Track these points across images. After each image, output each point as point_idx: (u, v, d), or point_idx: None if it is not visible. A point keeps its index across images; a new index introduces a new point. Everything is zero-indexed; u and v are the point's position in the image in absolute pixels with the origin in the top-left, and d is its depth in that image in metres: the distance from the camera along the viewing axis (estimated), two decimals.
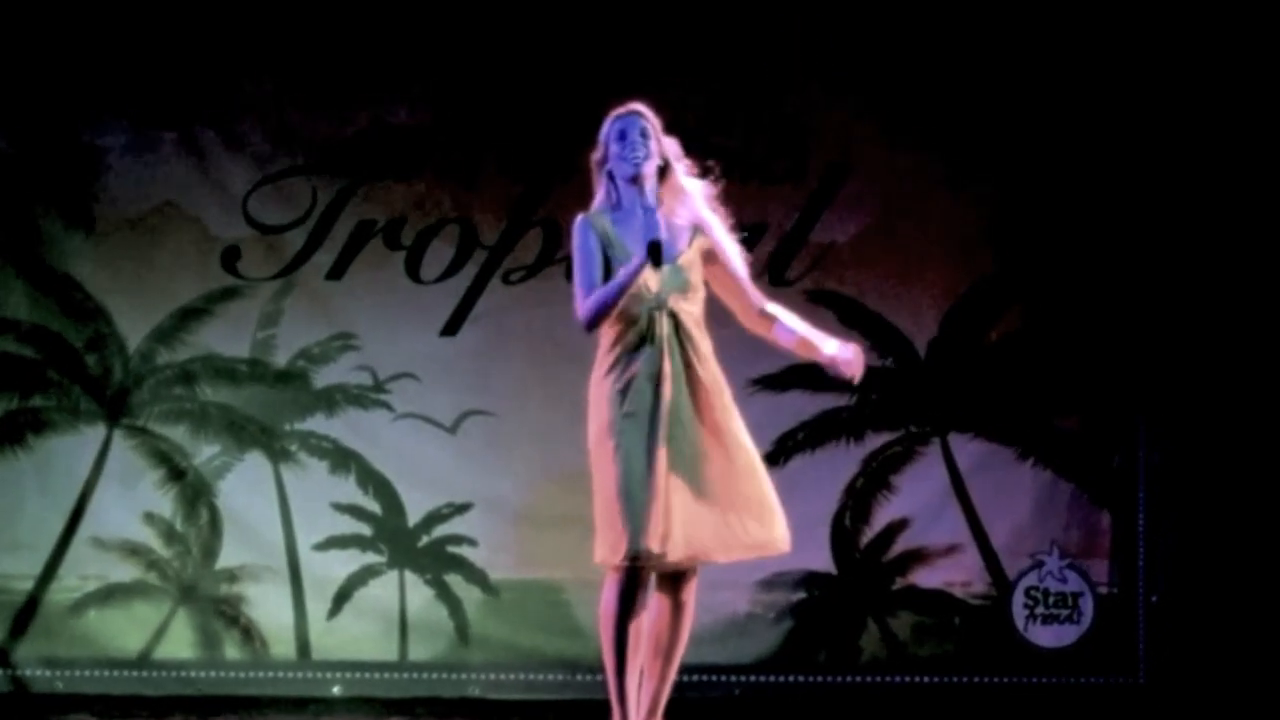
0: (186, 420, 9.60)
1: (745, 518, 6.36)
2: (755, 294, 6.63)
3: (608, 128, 6.53)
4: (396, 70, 9.56)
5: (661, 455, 6.25)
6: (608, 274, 6.38)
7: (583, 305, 6.37)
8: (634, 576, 6.23)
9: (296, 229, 9.62)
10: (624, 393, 6.32)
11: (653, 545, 6.17)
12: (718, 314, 6.60)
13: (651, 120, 6.53)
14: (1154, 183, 9.44)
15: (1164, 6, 9.39)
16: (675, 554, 6.24)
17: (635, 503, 6.20)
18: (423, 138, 9.61)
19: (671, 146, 6.55)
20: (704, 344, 6.46)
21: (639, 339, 6.36)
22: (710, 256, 6.54)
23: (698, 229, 6.52)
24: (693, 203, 6.53)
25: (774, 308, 6.64)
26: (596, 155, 6.58)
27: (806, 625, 9.56)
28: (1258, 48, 9.30)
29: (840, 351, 6.50)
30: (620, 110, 6.56)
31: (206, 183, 9.61)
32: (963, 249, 9.56)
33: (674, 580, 6.38)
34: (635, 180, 6.45)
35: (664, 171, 6.51)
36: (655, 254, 6.24)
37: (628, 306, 6.35)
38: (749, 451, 6.43)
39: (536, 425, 9.42)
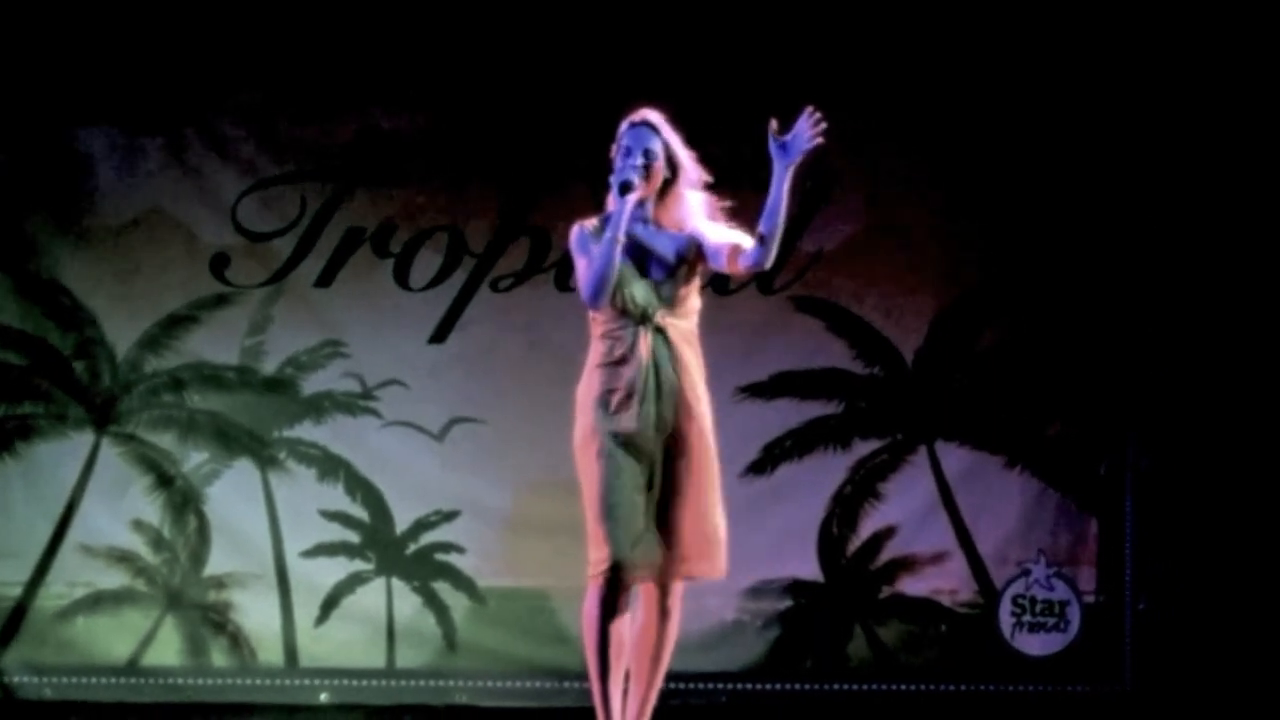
0: (175, 427, 9.61)
1: (706, 538, 6.36)
2: (747, 239, 6.37)
3: (620, 133, 6.44)
4: (386, 77, 9.56)
5: (639, 470, 6.25)
6: None
7: (582, 283, 6.31)
8: (614, 584, 6.23)
9: (285, 236, 9.63)
10: (607, 400, 6.31)
11: (630, 563, 6.19)
12: (706, 323, 6.56)
13: (664, 134, 6.41)
14: (1140, 191, 9.46)
15: (1150, 27, 9.40)
16: (648, 573, 6.27)
17: (615, 513, 6.21)
18: (412, 145, 9.62)
19: (684, 158, 6.43)
20: (691, 359, 6.40)
21: (625, 353, 6.33)
22: (703, 255, 6.45)
23: (693, 241, 6.45)
24: (690, 216, 6.46)
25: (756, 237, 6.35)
26: (612, 155, 6.49)
27: (793, 633, 9.57)
28: (1240, 66, 9.33)
29: (785, 143, 6.21)
30: (636, 118, 6.43)
31: (195, 190, 9.62)
32: (950, 257, 9.57)
33: (659, 588, 6.38)
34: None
35: (670, 182, 6.45)
36: (623, 188, 6.23)
37: (614, 321, 6.33)
38: (715, 472, 6.41)
39: (525, 433, 9.43)
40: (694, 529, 6.34)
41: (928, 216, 9.55)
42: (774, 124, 6.22)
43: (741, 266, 6.35)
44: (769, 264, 6.35)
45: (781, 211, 6.25)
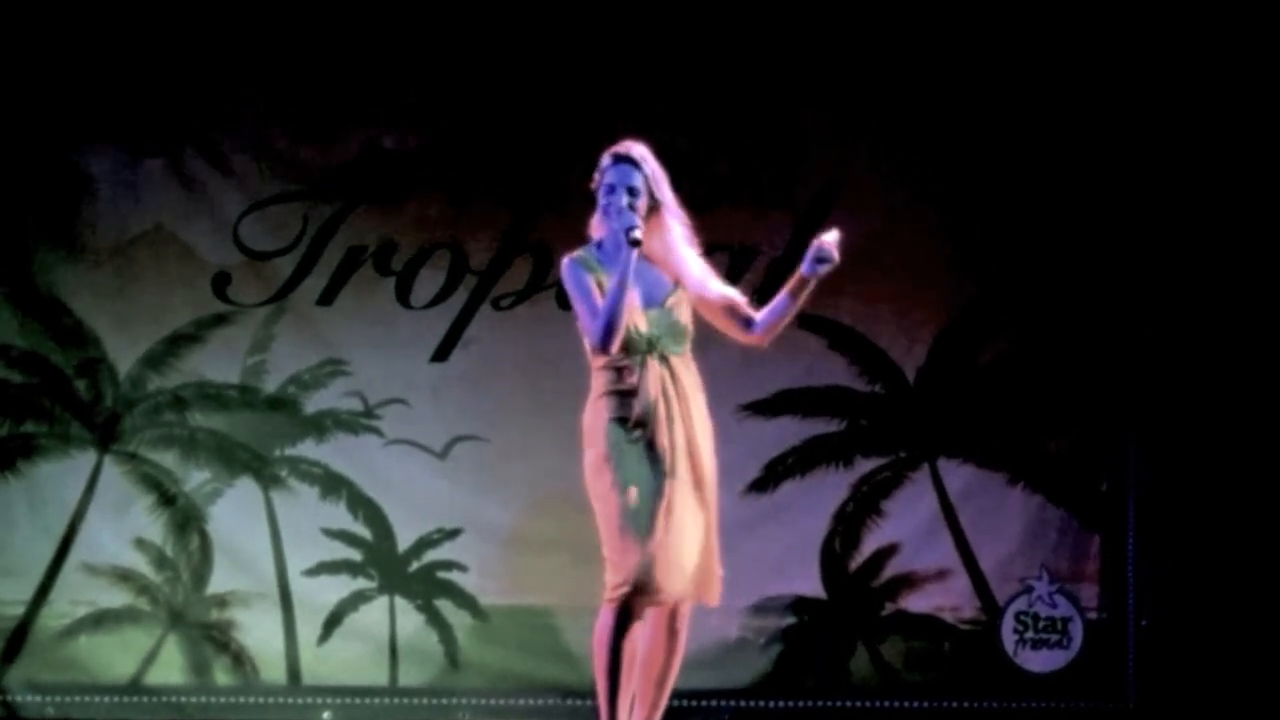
0: (177, 446, 9.60)
1: (713, 564, 6.40)
2: (746, 308, 6.54)
3: (602, 166, 6.44)
4: (387, 96, 9.57)
5: (656, 496, 6.26)
6: None
7: (591, 327, 6.35)
8: (629, 604, 6.25)
9: (287, 255, 9.63)
10: (619, 426, 6.31)
11: (647, 586, 6.20)
12: (702, 340, 6.56)
13: (646, 168, 6.41)
14: (1141, 206, 9.47)
15: (1148, 34, 9.41)
16: (668, 596, 6.28)
17: (632, 538, 6.21)
18: (413, 163, 9.62)
19: (664, 186, 6.45)
20: (693, 385, 6.43)
21: (633, 383, 6.33)
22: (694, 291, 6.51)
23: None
24: (676, 244, 6.47)
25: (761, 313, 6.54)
26: (594, 184, 6.51)
27: (796, 650, 9.57)
28: (1237, 78, 9.34)
29: (814, 254, 6.36)
30: (619, 151, 6.42)
31: (197, 208, 9.62)
32: (951, 274, 9.58)
33: (669, 609, 6.39)
34: None
35: (654, 212, 6.44)
36: (633, 240, 6.23)
37: (618, 353, 6.33)
38: (715, 498, 6.45)
39: (527, 450, 9.43)
40: (705, 554, 6.36)
41: (929, 234, 9.55)
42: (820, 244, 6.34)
43: (739, 335, 6.50)
44: (765, 343, 6.50)
45: (791, 312, 6.44)
